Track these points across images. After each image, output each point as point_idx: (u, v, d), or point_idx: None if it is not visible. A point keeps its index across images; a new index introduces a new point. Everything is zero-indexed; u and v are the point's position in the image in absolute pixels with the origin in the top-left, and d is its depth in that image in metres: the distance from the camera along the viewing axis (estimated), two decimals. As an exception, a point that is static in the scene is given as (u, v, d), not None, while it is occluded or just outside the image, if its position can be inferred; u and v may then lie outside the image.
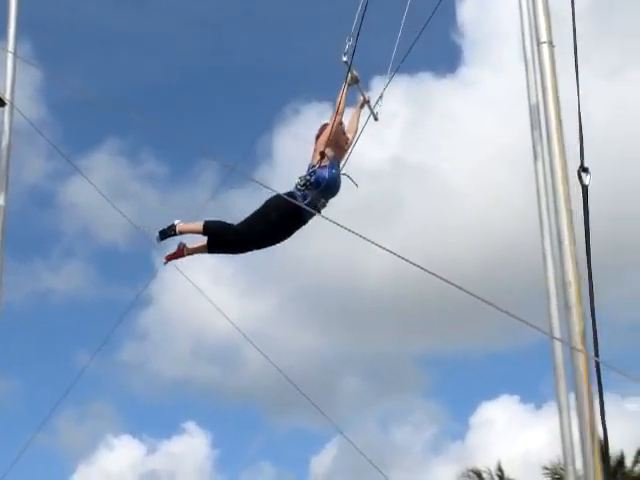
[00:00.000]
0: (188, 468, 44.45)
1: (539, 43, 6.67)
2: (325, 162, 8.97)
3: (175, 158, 46.35)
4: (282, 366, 10.22)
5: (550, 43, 6.64)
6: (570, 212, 6.36)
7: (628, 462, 32.26)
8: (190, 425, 45.09)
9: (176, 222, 9.12)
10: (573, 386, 5.88)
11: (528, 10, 8.23)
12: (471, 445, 41.58)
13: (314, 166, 8.94)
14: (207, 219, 9.08)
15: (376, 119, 9.44)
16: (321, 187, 8.89)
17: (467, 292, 5.23)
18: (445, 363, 51.51)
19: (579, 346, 5.73)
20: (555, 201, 6.37)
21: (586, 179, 6.62)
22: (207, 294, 10.45)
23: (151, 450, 44.89)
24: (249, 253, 9.19)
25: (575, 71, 7.23)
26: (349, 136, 9.30)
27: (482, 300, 5.20)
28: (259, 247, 9.10)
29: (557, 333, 7.54)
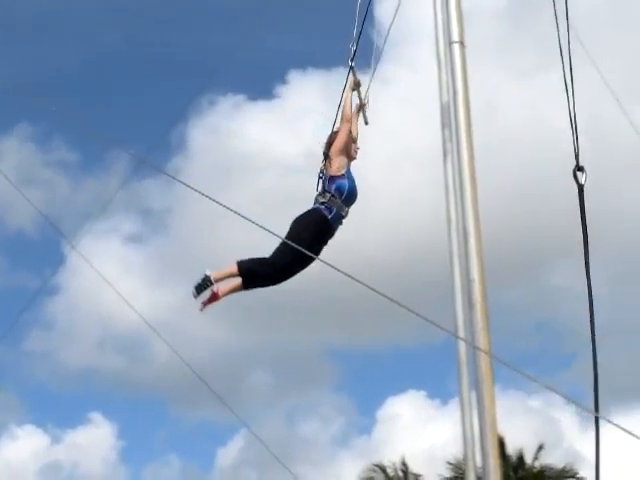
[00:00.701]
0: (93, 459, 44.08)
1: (450, 43, 6.73)
2: (342, 171, 9.02)
3: (87, 146, 45.87)
4: (190, 358, 10.19)
5: (461, 43, 6.71)
6: (477, 210, 6.44)
7: (528, 458, 32.79)
8: (96, 415, 44.74)
9: (208, 273, 8.76)
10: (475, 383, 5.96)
11: (441, 10, 8.31)
12: (377, 439, 41.90)
13: (332, 177, 8.96)
14: (239, 260, 8.81)
15: (367, 123, 9.55)
16: (345, 196, 8.93)
17: (373, 290, 5.27)
18: (354, 358, 51.88)
19: (482, 344, 5.81)
20: (462, 200, 6.44)
21: (582, 178, 6.58)
22: (116, 283, 10.36)
23: (55, 440, 44.50)
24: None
25: (564, 79, 7.21)
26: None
27: (387, 298, 5.24)
28: (297, 271, 8.92)
29: (461, 331, 7.60)
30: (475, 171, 6.48)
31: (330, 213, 8.86)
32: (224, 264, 8.80)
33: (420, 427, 42.04)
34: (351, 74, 9.21)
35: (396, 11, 8.74)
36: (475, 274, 6.11)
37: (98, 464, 43.84)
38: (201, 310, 8.85)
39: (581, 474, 32.29)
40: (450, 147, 8.54)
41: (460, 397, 7.84)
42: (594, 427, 7.05)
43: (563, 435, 37.00)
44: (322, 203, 8.89)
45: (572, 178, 7.09)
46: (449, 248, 8.50)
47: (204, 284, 8.73)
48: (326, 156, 9.14)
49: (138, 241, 54.75)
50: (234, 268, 8.78)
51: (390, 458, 34.43)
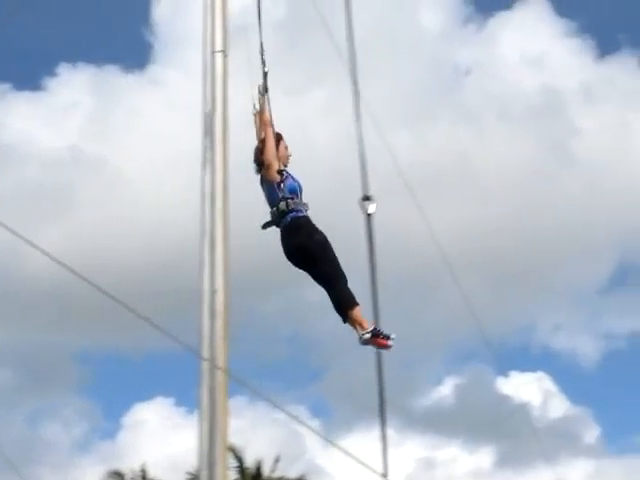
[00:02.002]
0: None
1: (213, 52, 6.69)
2: (281, 176, 8.80)
3: None
4: None
5: (224, 52, 6.67)
6: (226, 220, 6.42)
7: (267, 470, 33.09)
8: None
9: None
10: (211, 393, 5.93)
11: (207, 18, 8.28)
12: (121, 445, 41.36)
13: (280, 183, 8.74)
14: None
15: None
16: (300, 194, 8.79)
17: (109, 296, 5.15)
18: (101, 362, 51.00)
19: (220, 359, 5.78)
20: (213, 208, 6.41)
21: (370, 208, 6.52)
22: None
23: None
24: None
25: (355, 111, 7.16)
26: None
27: (126, 307, 5.14)
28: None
29: (205, 342, 7.47)
30: (229, 181, 6.46)
31: (307, 211, 8.77)
32: None
33: (165, 435, 41.82)
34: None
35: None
36: (219, 284, 6.08)
37: None
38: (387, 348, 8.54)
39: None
40: (208, 156, 8.52)
41: (199, 408, 7.80)
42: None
43: (305, 448, 37.62)
44: (290, 210, 8.69)
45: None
46: (200, 257, 8.45)
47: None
48: (261, 166, 8.85)
49: None
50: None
51: (131, 464, 34.03)
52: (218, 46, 6.69)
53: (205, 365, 5.81)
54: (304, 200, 8.85)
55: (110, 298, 4.76)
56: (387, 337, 8.41)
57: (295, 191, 8.81)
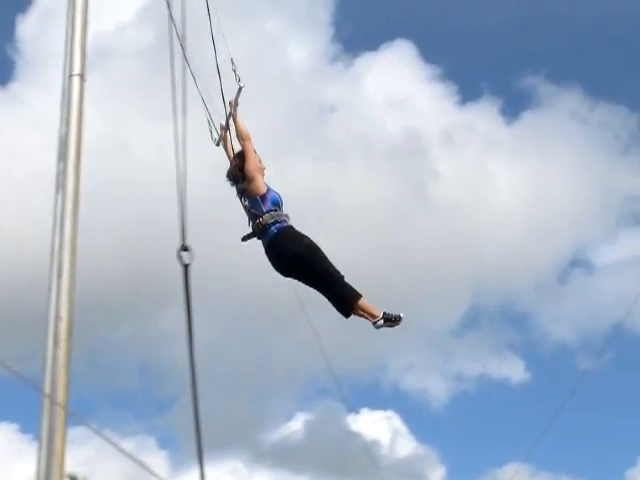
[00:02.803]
0: None
1: (71, 75, 6.57)
2: (265, 187, 8.97)
3: None
4: None
5: (82, 77, 6.56)
6: (74, 246, 6.28)
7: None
8: None
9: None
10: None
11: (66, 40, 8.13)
12: (-40, 475, 39.98)
13: (262, 196, 8.90)
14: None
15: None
16: (281, 206, 8.98)
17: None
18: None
19: (59, 395, 5.63)
20: (61, 234, 6.27)
21: (187, 258, 6.40)
22: None
23: None
24: None
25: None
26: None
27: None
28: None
29: (48, 374, 7.20)
30: (79, 207, 6.32)
31: (289, 223, 8.94)
32: None
33: (9, 462, 40.66)
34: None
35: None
36: (64, 312, 5.93)
37: None
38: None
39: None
40: (61, 180, 8.34)
41: (38, 439, 7.58)
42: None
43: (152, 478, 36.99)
44: (274, 223, 8.83)
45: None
46: (49, 283, 8.25)
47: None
48: (240, 180, 8.98)
49: None
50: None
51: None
52: (76, 69, 6.56)
53: (45, 400, 5.64)
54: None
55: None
56: (398, 317, 8.91)
57: (277, 203, 8.95)
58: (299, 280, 8.95)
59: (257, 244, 9.07)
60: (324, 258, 8.82)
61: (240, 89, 8.92)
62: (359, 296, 8.84)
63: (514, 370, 38.02)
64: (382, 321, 8.84)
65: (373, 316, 8.86)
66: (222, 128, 9.26)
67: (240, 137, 9.06)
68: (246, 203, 9.01)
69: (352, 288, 8.83)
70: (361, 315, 8.90)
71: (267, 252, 8.88)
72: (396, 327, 9.07)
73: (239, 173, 9.02)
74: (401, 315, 8.86)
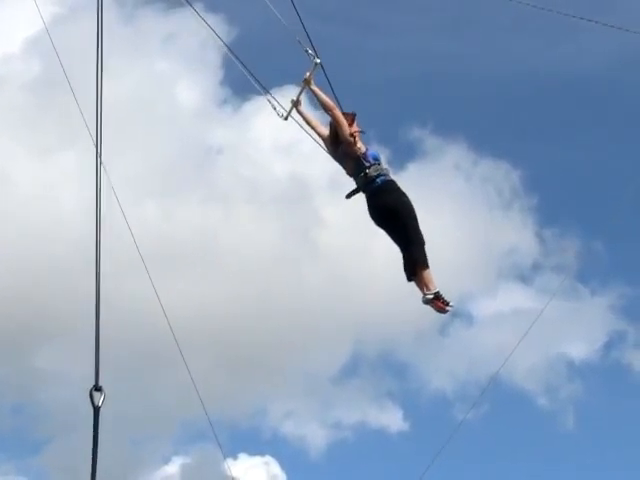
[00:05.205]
0: None
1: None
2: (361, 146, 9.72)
3: None
4: None
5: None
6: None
7: None
8: None
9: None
10: None
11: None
12: None
13: (364, 153, 9.66)
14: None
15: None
16: (380, 160, 9.78)
17: None
18: None
19: None
20: None
21: (99, 400, 6.16)
22: None
23: None
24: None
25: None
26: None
27: None
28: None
29: None
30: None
31: (390, 176, 9.73)
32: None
33: None
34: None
35: None
36: None
37: None
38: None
39: None
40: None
41: None
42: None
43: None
44: (378, 175, 9.58)
45: None
46: None
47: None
48: (339, 142, 9.66)
49: None
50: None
51: None
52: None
53: None
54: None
55: None
56: (447, 303, 9.32)
57: (378, 158, 9.76)
58: (387, 231, 9.62)
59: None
60: (415, 218, 9.46)
61: (316, 65, 9.58)
62: (427, 266, 9.39)
63: (393, 419, 38.10)
64: (432, 296, 9.33)
65: (428, 288, 9.35)
66: (294, 103, 10.04)
67: (327, 107, 9.75)
68: (345, 162, 9.76)
69: (425, 257, 9.44)
70: (419, 282, 9.41)
71: (368, 201, 9.68)
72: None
73: (338, 138, 9.75)
74: (450, 303, 9.25)
